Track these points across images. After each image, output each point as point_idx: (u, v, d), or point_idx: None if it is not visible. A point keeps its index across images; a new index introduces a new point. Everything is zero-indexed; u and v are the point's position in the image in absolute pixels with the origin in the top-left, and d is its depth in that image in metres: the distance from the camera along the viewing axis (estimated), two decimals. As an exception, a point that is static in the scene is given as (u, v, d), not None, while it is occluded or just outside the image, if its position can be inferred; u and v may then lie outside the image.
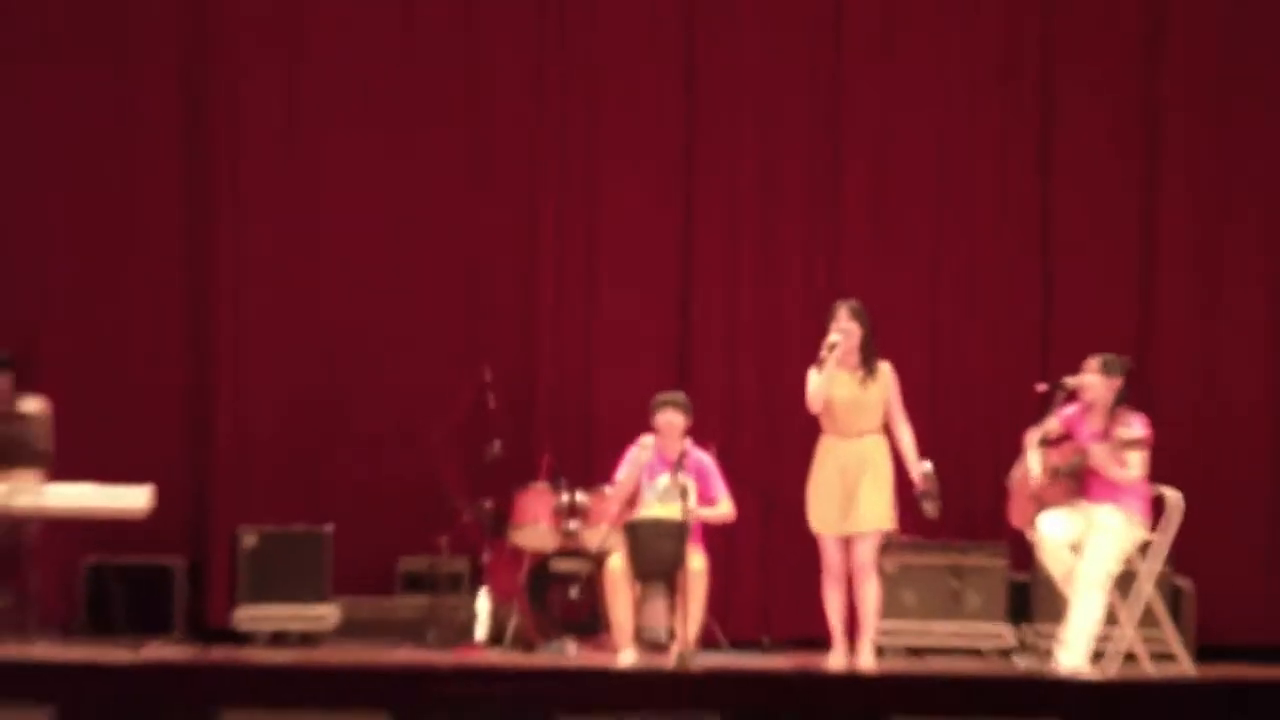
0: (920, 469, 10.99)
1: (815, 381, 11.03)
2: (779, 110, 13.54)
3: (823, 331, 11.17)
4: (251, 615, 12.53)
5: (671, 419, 11.42)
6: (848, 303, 11.18)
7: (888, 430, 11.12)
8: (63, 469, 11.90)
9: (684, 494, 11.03)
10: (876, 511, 11.00)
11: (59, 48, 13.43)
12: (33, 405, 12.11)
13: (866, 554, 11.05)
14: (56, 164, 13.42)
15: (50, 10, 13.46)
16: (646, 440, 11.49)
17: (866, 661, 11.06)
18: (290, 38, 13.58)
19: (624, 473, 11.53)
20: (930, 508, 10.97)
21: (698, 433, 11.63)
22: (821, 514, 11.06)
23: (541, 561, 12.21)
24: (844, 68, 13.57)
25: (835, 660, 11.02)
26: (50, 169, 13.42)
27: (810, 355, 11.58)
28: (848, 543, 11.04)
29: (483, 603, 12.37)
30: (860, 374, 11.09)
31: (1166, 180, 13.41)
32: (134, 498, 11.68)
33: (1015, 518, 11.16)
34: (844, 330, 11.03)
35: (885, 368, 11.15)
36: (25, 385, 12.25)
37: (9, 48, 13.43)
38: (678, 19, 13.59)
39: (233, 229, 13.42)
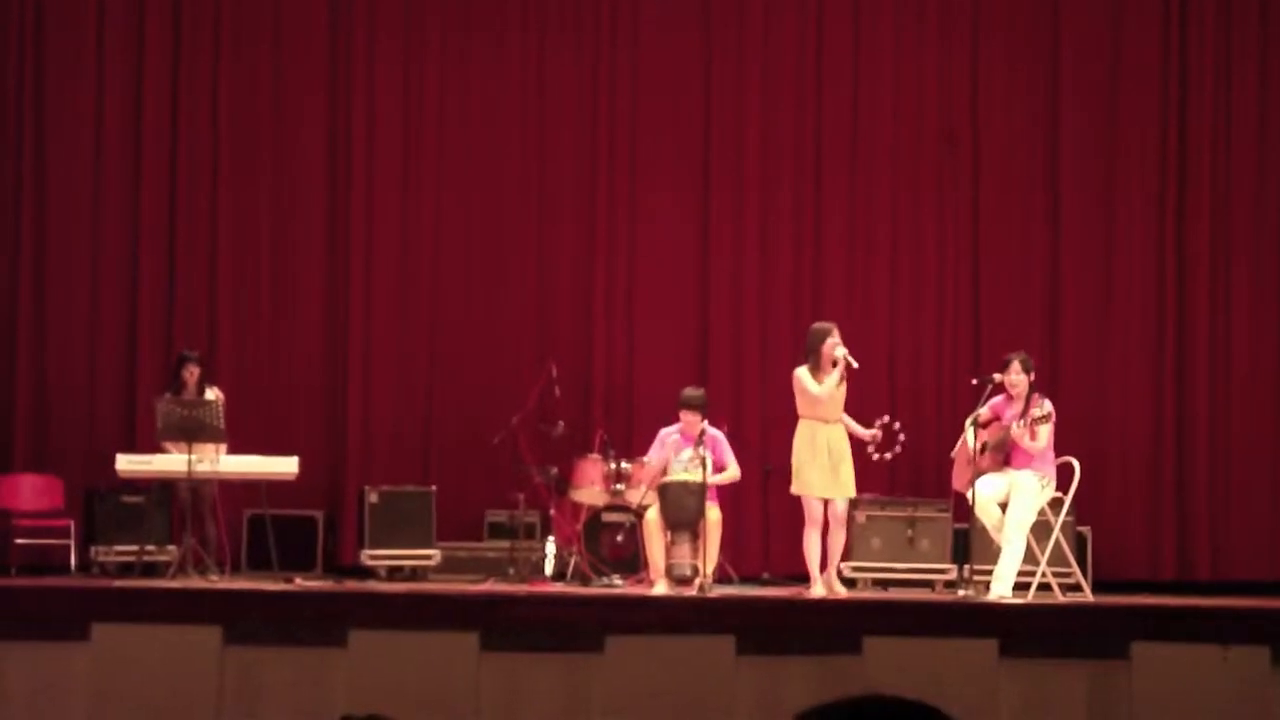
0: (880, 424, 10.98)
1: (828, 385, 10.95)
2: (775, 173, 13.38)
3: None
4: (374, 555, 12.36)
5: (690, 417, 11.29)
6: (833, 324, 11.17)
7: None
8: (233, 443, 11.75)
9: (703, 464, 11.00)
10: (850, 482, 11.04)
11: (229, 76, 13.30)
12: (212, 394, 12.00)
13: (843, 511, 11.06)
14: (226, 184, 13.26)
15: (223, 46, 13.29)
16: (666, 434, 11.40)
17: (838, 587, 11.06)
18: (410, 114, 13.40)
19: (654, 452, 11.45)
20: (885, 456, 11.04)
21: (712, 415, 11.47)
22: (812, 481, 10.98)
23: (595, 514, 12.09)
24: (823, 141, 13.39)
25: (816, 591, 10.95)
26: (221, 187, 13.25)
27: (798, 357, 11.41)
28: (826, 503, 11.00)
29: (550, 546, 12.25)
30: (841, 376, 11.05)
31: (1065, 220, 13.21)
32: (286, 465, 11.64)
33: (956, 481, 11.12)
34: (842, 346, 11.00)
35: None
36: (206, 377, 12.14)
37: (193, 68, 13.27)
38: (699, 98, 13.41)
39: (363, 262, 13.28)
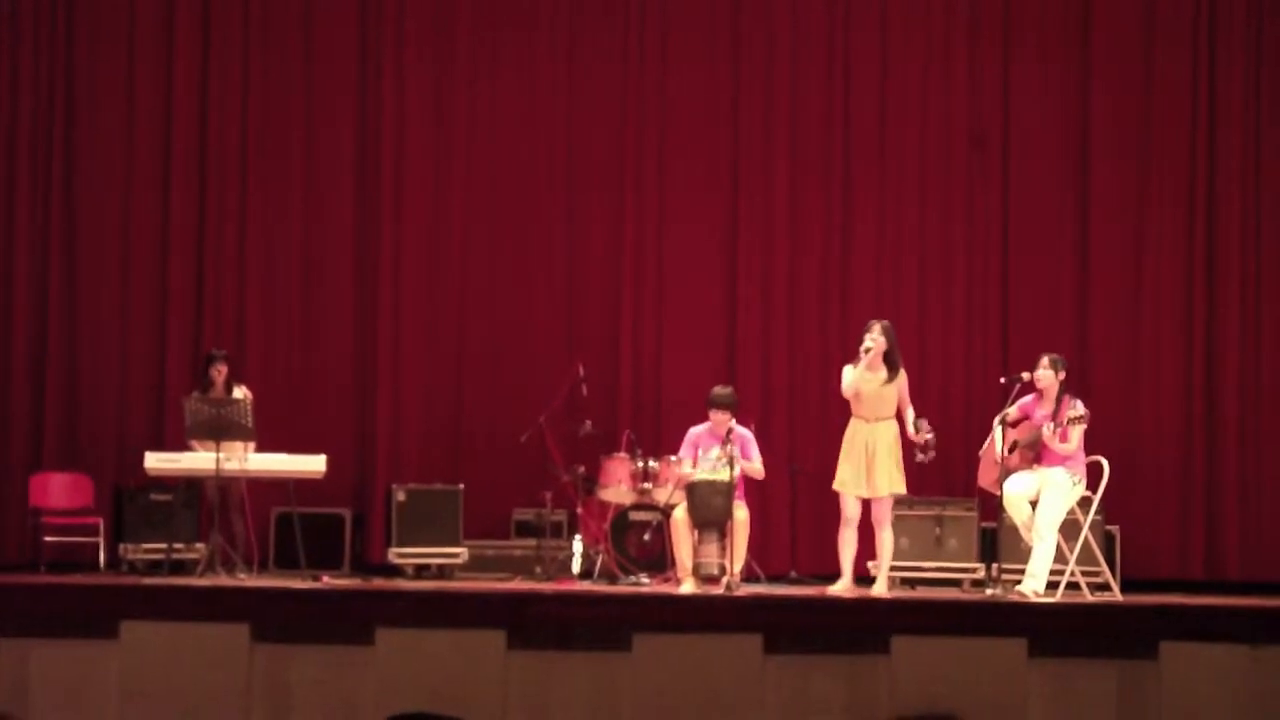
0: (919, 429, 10.93)
1: (849, 377, 10.98)
2: (804, 173, 13.39)
3: (837, 340, 11.54)
4: (401, 553, 12.40)
5: (719, 416, 11.26)
6: (880, 321, 11.11)
7: (898, 418, 11.04)
8: (261, 441, 11.78)
9: (730, 463, 10.96)
10: (891, 479, 10.94)
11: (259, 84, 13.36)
12: (240, 392, 12.07)
13: (882, 512, 11.03)
14: (255, 183, 13.32)
15: (252, 59, 13.35)
16: (695, 432, 11.36)
17: (883, 590, 11.03)
18: (439, 115, 13.44)
19: (683, 451, 11.41)
20: (925, 458, 10.98)
21: (740, 414, 11.45)
22: (846, 478, 10.98)
23: (622, 513, 12.09)
24: (852, 141, 13.39)
25: (839, 589, 10.96)
26: (250, 186, 13.30)
27: (826, 358, 11.44)
28: (865, 502, 10.97)
29: (577, 545, 12.27)
30: (884, 376, 10.98)
31: (1095, 220, 13.18)
32: (314, 463, 11.66)
33: (984, 480, 11.10)
34: (875, 340, 10.93)
35: (902, 373, 11.07)
36: (234, 376, 12.19)
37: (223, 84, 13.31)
38: (728, 99, 13.42)
39: (392, 262, 13.32)
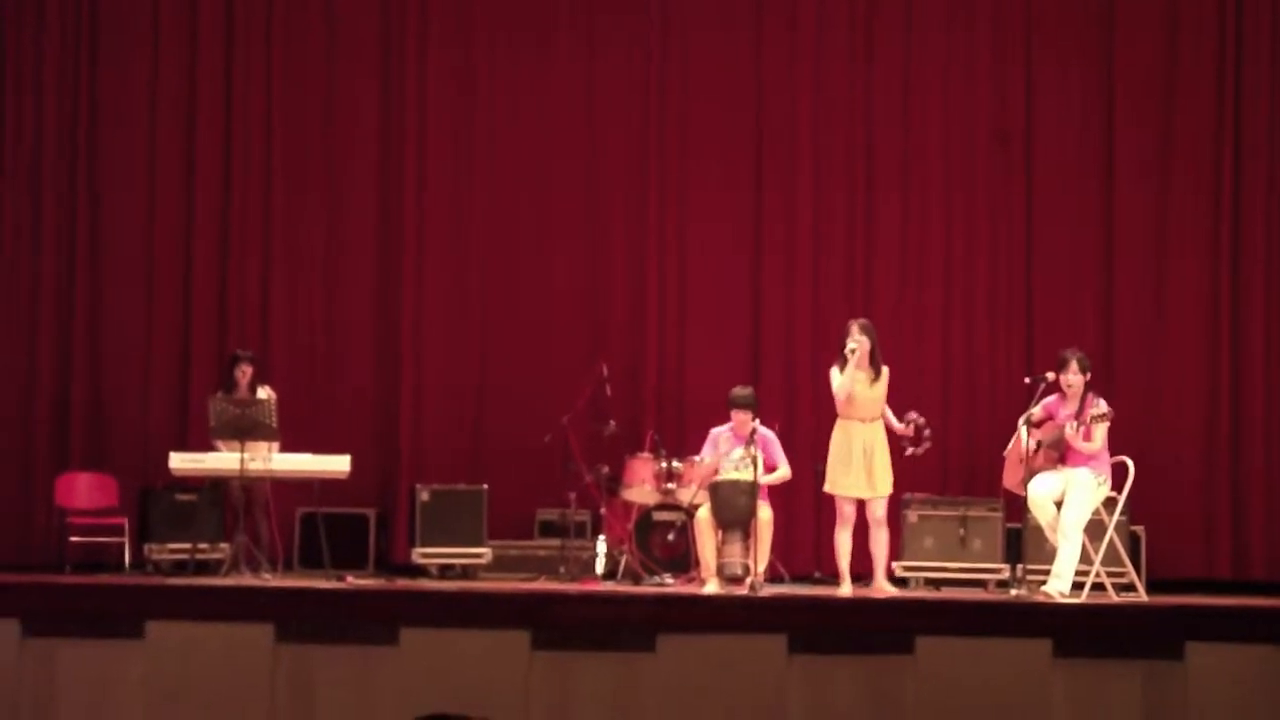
0: (908, 420, 11.07)
1: (841, 379, 11.11)
2: (828, 176, 13.34)
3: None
4: (425, 553, 12.40)
5: (741, 416, 11.27)
6: (858, 320, 11.27)
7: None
8: (285, 441, 11.79)
9: (754, 463, 10.98)
10: (886, 480, 11.11)
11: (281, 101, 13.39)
12: (265, 392, 12.07)
13: (881, 511, 11.14)
14: (279, 184, 13.34)
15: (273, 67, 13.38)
16: (718, 432, 11.35)
17: (886, 589, 11.12)
18: (461, 116, 13.43)
19: (706, 451, 11.42)
20: (917, 451, 11.13)
21: (764, 414, 11.44)
22: (842, 479, 11.11)
23: (646, 513, 12.09)
24: (875, 140, 13.34)
25: (844, 590, 11.04)
26: (274, 187, 13.32)
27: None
28: (861, 502, 11.09)
29: (601, 545, 12.27)
30: (870, 374, 11.10)
31: (1119, 217, 13.12)
32: (338, 463, 11.67)
33: (1007, 480, 11.09)
34: (858, 341, 11.06)
35: (885, 370, 11.19)
36: (259, 376, 12.22)
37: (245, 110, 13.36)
38: (750, 98, 13.38)
39: (415, 262, 13.30)
